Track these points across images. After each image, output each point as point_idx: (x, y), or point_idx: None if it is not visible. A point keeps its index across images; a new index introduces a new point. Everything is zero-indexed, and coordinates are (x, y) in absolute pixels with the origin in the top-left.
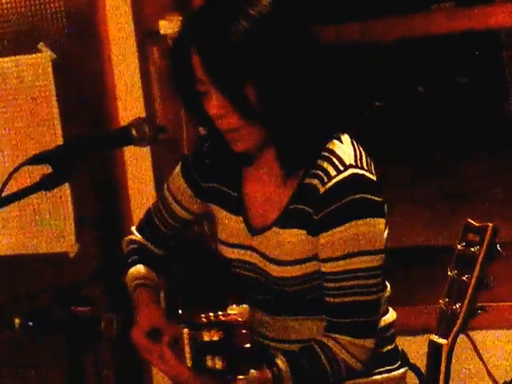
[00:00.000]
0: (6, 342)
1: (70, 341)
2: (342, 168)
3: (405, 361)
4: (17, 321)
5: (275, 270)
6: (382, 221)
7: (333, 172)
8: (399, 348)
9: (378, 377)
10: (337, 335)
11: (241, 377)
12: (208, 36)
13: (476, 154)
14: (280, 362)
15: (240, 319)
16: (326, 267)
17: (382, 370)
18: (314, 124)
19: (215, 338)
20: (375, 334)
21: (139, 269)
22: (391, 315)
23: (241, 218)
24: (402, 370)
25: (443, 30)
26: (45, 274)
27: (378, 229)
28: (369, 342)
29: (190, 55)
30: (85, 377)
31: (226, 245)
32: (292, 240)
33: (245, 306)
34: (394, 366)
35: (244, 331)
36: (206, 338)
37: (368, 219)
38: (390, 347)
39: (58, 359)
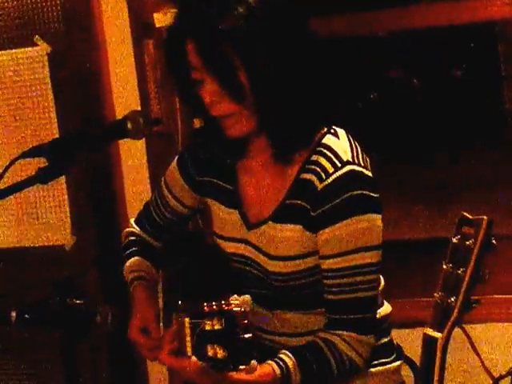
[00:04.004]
0: (3, 342)
1: (65, 334)
2: (339, 164)
3: (400, 354)
4: (13, 314)
5: (270, 265)
6: (380, 217)
7: (330, 168)
8: (394, 341)
9: (373, 369)
10: (340, 332)
11: (242, 367)
12: (203, 21)
13: (475, 149)
14: (287, 358)
15: (242, 309)
16: (326, 264)
17: (377, 362)
18: (305, 112)
19: (217, 327)
20: (376, 330)
21: (136, 261)
22: (386, 308)
23: (236, 212)
24: (397, 363)
25: (439, 23)
26: (41, 267)
27: (376, 225)
28: (371, 339)
29: (185, 43)
30: (81, 374)
31: (221, 238)
32: (287, 235)
33: (247, 296)
34: (389, 359)
35: (245, 321)
36: (208, 327)
37: (367, 215)
38: (385, 340)
39: (55, 360)
